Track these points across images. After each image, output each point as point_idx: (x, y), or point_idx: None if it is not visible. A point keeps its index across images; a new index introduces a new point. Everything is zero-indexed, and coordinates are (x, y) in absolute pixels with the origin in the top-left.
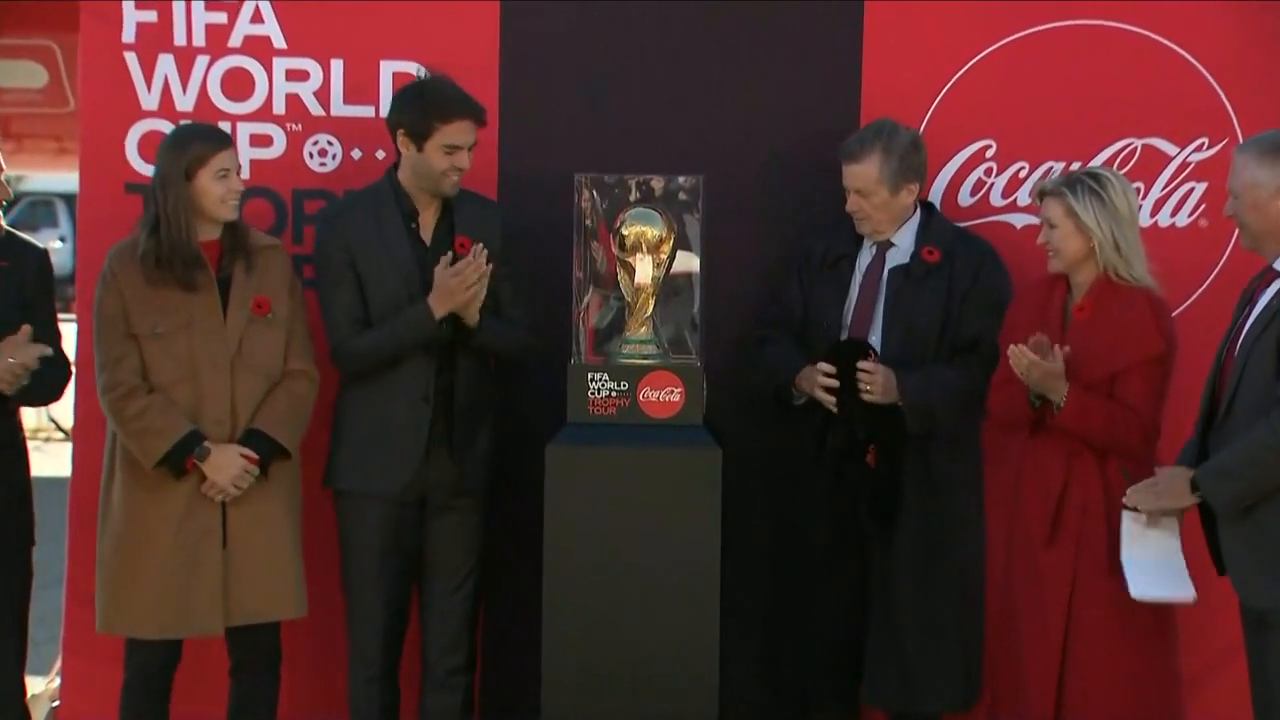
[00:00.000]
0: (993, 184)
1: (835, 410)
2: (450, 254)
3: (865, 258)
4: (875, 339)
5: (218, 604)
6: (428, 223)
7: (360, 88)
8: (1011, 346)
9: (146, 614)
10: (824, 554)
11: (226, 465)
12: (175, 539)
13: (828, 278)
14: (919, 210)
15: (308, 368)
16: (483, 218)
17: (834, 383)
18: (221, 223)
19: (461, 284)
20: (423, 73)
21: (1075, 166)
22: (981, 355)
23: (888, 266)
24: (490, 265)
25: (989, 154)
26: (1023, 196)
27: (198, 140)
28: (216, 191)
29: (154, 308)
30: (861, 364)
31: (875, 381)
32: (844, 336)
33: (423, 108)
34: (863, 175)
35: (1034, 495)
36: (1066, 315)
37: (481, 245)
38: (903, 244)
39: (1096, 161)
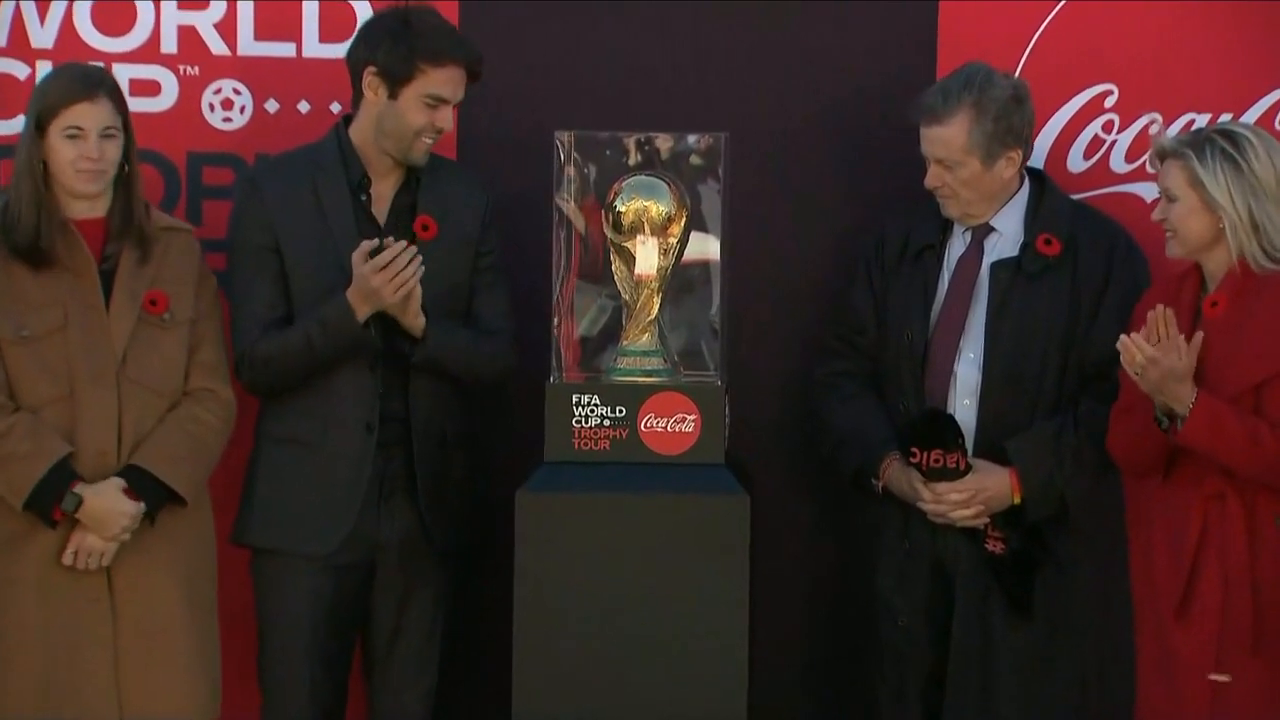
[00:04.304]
0: (1114, 143)
1: (992, 546)
2: (376, 241)
3: (957, 248)
4: (974, 355)
5: (111, 691)
6: (383, 194)
7: (277, 20)
8: (1123, 338)
9: (19, 707)
10: (893, 638)
11: (108, 514)
12: (49, 611)
13: (908, 275)
14: (1026, 183)
15: (218, 388)
16: (457, 193)
17: (966, 513)
18: (96, 197)
19: (390, 283)
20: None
21: (1222, 120)
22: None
23: (987, 259)
24: (420, 265)
25: (1108, 103)
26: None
27: (58, 84)
28: (64, 155)
29: (17, 304)
30: (938, 491)
31: (966, 502)
32: (929, 351)
33: (407, 42)
34: (947, 141)
35: (1164, 552)
36: (1199, 314)
37: (405, 243)
38: (1007, 230)
39: (1252, 114)
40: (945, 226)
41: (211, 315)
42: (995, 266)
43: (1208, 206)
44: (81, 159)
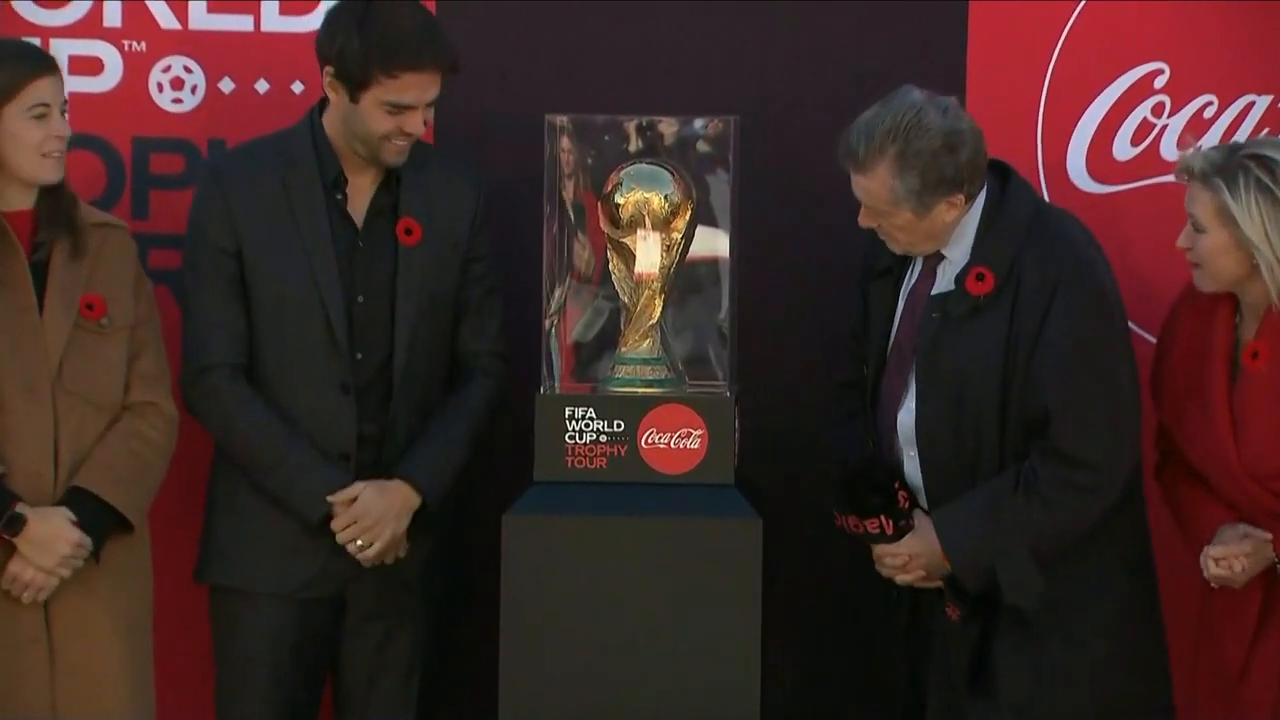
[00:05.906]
0: (1165, 128)
1: (950, 612)
2: (350, 533)
3: (917, 271)
4: (910, 400)
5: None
6: (361, 191)
7: None
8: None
9: None
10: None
11: (51, 541)
12: None
13: (875, 301)
14: (983, 195)
15: (160, 401)
16: (445, 190)
17: (908, 577)
18: (34, 187)
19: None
20: None
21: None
22: (1056, 440)
23: (934, 293)
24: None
25: (1158, 83)
26: (1207, 146)
27: (5, 62)
28: (32, 138)
29: None
30: (876, 554)
31: (902, 566)
32: (880, 392)
33: (362, 43)
34: (871, 192)
35: (1224, 602)
36: (1236, 354)
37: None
38: (956, 256)
39: None
40: None
41: (150, 320)
42: (929, 304)
43: (1240, 244)
44: (50, 139)
